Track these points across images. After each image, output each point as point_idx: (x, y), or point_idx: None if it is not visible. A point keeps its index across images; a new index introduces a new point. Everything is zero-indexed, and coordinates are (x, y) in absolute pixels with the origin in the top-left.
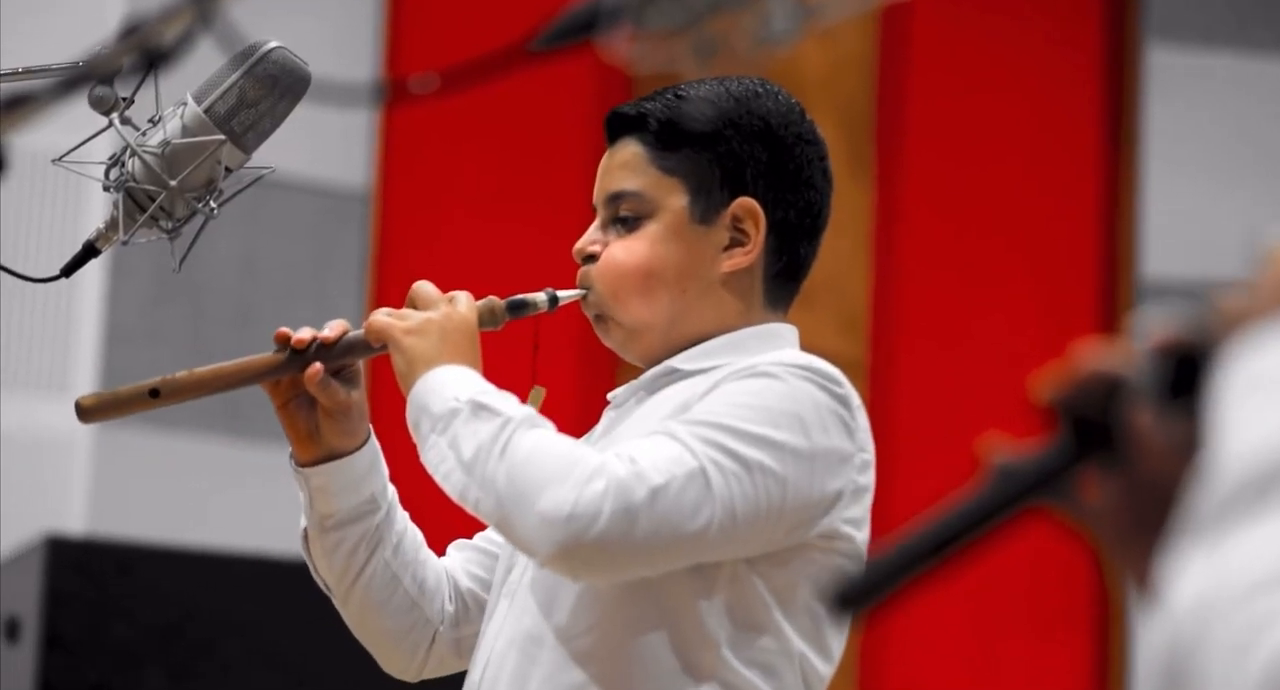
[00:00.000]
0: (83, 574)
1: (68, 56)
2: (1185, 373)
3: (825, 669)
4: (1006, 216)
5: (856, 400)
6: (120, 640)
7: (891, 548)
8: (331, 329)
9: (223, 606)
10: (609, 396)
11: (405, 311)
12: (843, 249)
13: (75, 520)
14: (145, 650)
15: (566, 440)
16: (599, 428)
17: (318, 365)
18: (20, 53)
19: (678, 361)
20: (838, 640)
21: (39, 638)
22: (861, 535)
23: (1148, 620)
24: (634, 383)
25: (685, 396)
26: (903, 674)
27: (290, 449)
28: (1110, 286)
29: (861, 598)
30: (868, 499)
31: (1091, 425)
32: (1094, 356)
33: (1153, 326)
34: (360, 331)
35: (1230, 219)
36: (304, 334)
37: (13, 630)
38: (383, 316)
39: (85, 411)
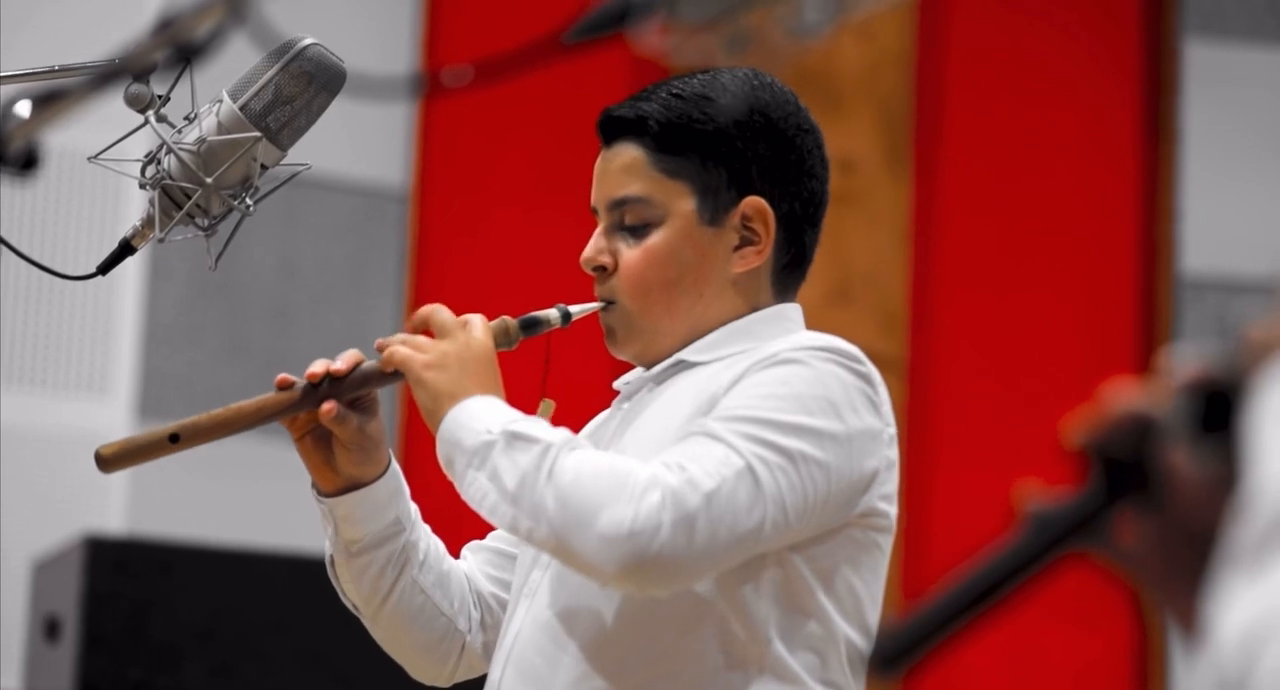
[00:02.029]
0: (122, 573)
1: (102, 53)
2: (1216, 408)
3: (869, 648)
4: (1045, 212)
5: (877, 376)
6: (160, 639)
7: (930, 603)
8: (344, 360)
9: (261, 604)
10: (616, 385)
11: (422, 341)
12: (881, 245)
13: (114, 520)
14: (185, 648)
15: (609, 456)
16: (613, 421)
17: (331, 403)
18: (54, 49)
19: (686, 353)
20: (878, 619)
21: (79, 637)
22: (894, 510)
23: (1193, 660)
24: (643, 374)
25: (710, 389)
26: (944, 661)
27: (311, 479)
28: (1149, 282)
29: (903, 655)
30: (896, 473)
31: (1125, 467)
32: (1124, 397)
33: (1182, 363)
34: (375, 362)
35: (1269, 215)
36: (317, 368)
37: (53, 629)
38: (401, 349)
39: (106, 461)
